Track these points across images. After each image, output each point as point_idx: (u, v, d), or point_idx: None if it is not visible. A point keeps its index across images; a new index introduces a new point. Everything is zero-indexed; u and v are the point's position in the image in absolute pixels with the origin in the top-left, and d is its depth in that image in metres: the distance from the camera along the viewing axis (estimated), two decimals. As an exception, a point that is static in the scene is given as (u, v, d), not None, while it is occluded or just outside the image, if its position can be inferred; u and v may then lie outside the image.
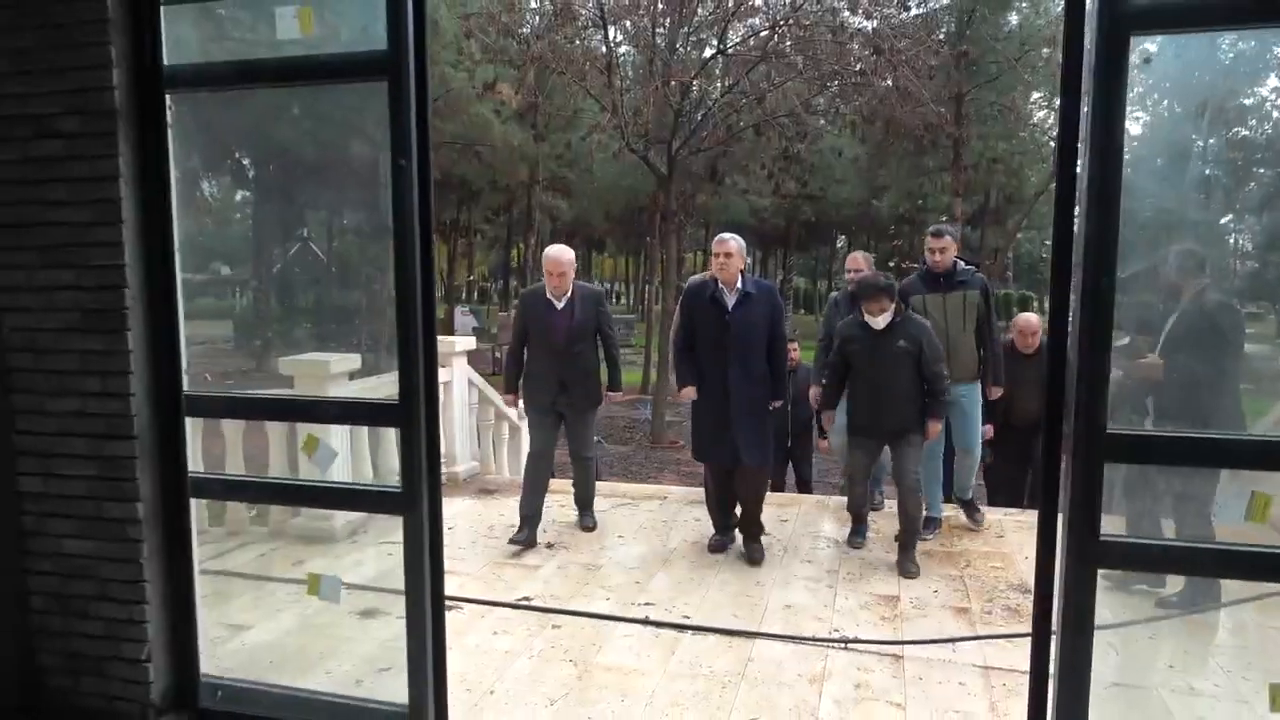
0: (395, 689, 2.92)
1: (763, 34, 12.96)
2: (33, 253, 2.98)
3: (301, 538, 5.12)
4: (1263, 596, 3.56)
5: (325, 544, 5.08)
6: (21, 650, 3.16)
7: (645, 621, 4.08)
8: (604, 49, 13.44)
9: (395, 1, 2.61)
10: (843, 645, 3.83)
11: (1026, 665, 2.43)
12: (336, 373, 5.04)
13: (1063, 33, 2.24)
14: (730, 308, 4.79)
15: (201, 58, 3.00)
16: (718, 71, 14.86)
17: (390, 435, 5.20)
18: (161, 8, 2.84)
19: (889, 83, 13.24)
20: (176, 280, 2.98)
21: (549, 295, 5.23)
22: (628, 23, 14.00)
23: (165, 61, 2.87)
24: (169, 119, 2.92)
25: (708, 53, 14.29)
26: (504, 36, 14.48)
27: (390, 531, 5.18)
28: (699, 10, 13.73)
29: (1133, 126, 2.26)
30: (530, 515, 5.20)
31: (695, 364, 4.95)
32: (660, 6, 13.40)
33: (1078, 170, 2.22)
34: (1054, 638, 2.37)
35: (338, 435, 4.61)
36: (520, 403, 5.48)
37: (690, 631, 3.96)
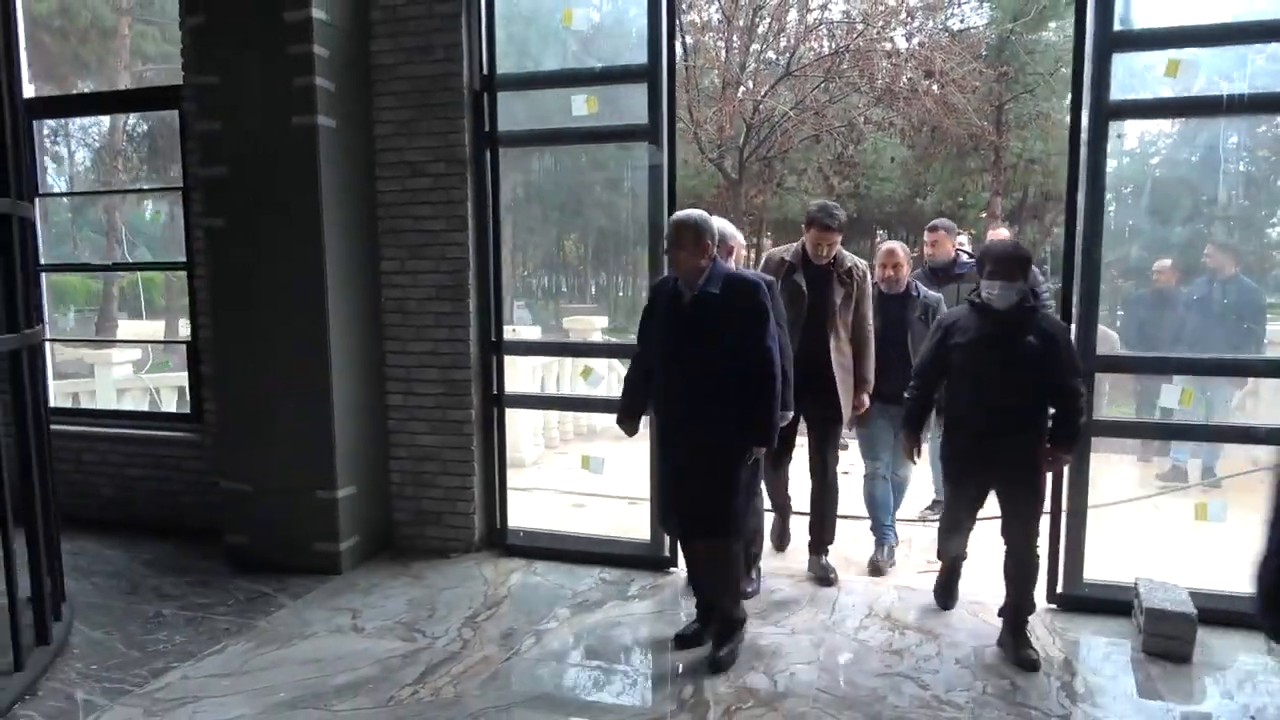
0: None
1: (825, 54, 14.53)
2: (404, 249, 4.65)
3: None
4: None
5: (520, 468, 6.76)
6: (383, 510, 4.84)
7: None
8: (683, 67, 15.02)
9: (655, 93, 4.24)
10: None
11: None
12: (599, 327, 7.82)
13: (1069, 118, 3.79)
14: (685, 314, 3.35)
15: (523, 126, 4.65)
16: (778, 87, 16.38)
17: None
18: (497, 94, 4.50)
19: (937, 90, 14.75)
20: (501, 266, 4.63)
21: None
22: (702, 39, 15.54)
23: (499, 128, 4.52)
24: (499, 165, 4.58)
25: (772, 61, 15.83)
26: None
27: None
28: (762, 28, 15.34)
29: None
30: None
31: (640, 390, 3.62)
32: (732, 24, 15.04)
33: (1078, 203, 3.79)
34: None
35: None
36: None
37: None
